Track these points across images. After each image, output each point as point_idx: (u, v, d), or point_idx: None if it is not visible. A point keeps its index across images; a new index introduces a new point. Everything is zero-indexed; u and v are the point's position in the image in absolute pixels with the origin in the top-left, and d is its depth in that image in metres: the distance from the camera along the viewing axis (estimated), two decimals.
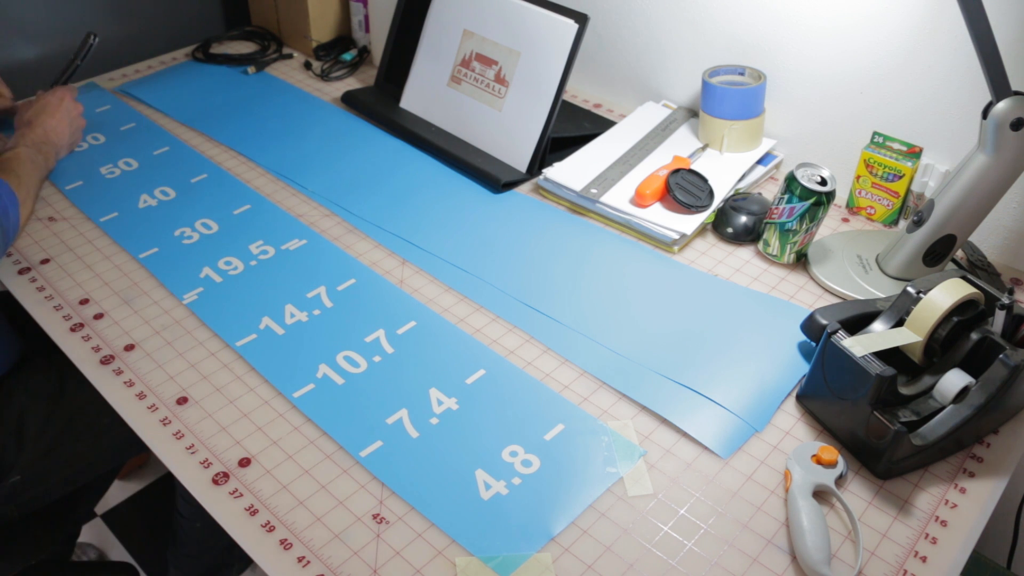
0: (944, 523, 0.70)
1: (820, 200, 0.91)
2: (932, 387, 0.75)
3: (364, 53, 1.43)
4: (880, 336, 0.76)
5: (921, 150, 1.00)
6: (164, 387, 0.81)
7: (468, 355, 0.85)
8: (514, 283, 0.94)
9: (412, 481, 0.72)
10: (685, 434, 0.77)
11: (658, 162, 1.09)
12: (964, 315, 0.75)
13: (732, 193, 1.06)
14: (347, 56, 1.41)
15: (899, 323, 0.78)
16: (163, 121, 1.25)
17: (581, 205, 1.06)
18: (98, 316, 0.89)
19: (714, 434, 0.76)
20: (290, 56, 1.45)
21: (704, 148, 1.13)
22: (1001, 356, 0.71)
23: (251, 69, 1.38)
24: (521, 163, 1.13)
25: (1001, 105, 0.80)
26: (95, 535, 1.47)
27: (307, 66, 1.41)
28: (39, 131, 1.06)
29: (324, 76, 1.37)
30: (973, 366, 0.74)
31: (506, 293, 0.93)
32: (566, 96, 1.28)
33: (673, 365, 0.83)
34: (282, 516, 0.69)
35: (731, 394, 0.80)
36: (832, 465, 0.72)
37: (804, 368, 0.83)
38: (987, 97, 0.82)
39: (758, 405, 0.79)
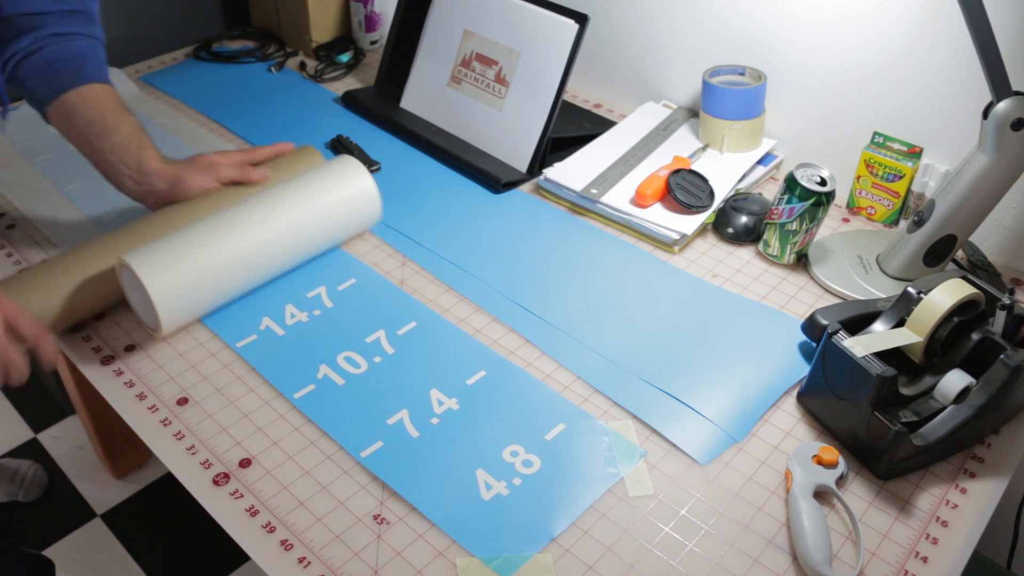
0: (945, 523, 0.70)
1: (820, 200, 0.91)
2: (933, 387, 0.75)
3: (360, 55, 1.43)
4: (881, 336, 0.76)
5: (921, 150, 1.00)
6: (164, 388, 0.81)
7: (469, 355, 0.85)
8: (512, 284, 0.94)
9: (413, 481, 0.72)
10: None
11: (658, 162, 1.09)
12: (965, 315, 0.75)
13: (732, 193, 1.06)
14: (343, 57, 1.41)
15: (900, 323, 0.78)
16: (163, 121, 1.25)
17: (581, 205, 1.06)
18: (98, 316, 0.89)
19: (697, 446, 0.76)
20: (295, 54, 1.45)
21: (704, 148, 1.13)
22: (1002, 356, 0.72)
23: (274, 68, 1.39)
24: (521, 163, 1.13)
25: (1002, 105, 0.80)
26: (95, 535, 1.47)
27: (302, 66, 1.40)
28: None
29: (318, 77, 1.37)
30: (974, 366, 0.74)
31: (504, 295, 0.93)
32: (566, 96, 1.28)
33: (662, 374, 0.83)
34: (283, 517, 0.69)
35: (714, 405, 0.79)
36: (833, 465, 0.72)
37: (790, 378, 0.82)
38: (988, 97, 0.82)
39: (740, 416, 0.78)
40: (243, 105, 1.29)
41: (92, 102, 0.89)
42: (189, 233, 0.84)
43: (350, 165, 0.95)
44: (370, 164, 1.14)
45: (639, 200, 1.02)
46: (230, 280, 0.86)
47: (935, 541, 0.68)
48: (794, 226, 0.93)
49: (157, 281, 0.80)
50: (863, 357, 0.71)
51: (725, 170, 1.08)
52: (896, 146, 1.01)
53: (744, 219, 1.01)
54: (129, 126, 0.91)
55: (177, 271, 0.81)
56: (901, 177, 1.00)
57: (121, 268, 0.83)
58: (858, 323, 0.80)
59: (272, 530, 0.68)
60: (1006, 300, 0.75)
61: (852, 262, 0.96)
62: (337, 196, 0.93)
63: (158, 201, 0.93)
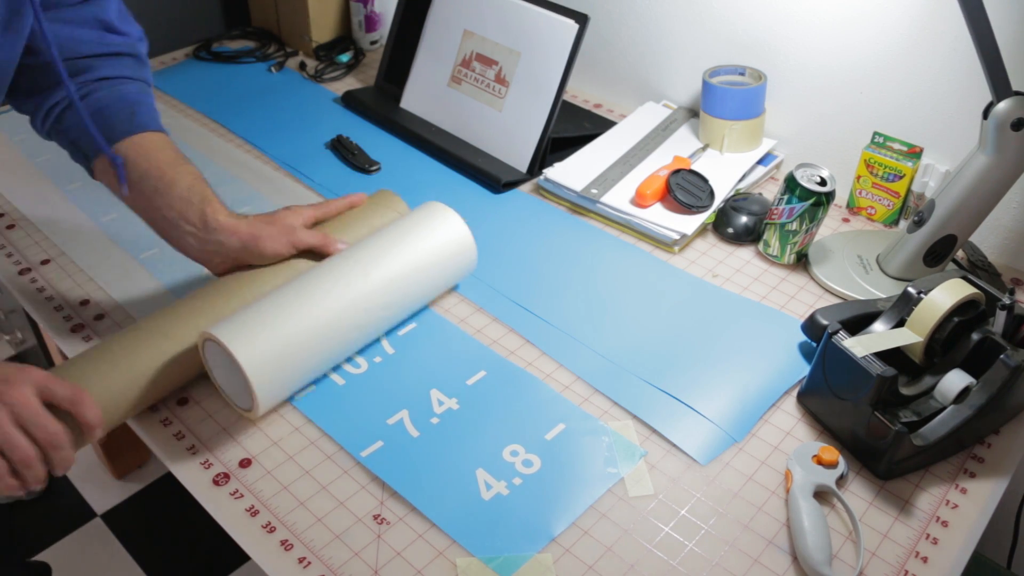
0: (945, 523, 0.70)
1: (820, 200, 0.91)
2: (933, 387, 0.75)
3: (360, 55, 1.43)
4: (881, 336, 0.76)
5: (921, 150, 1.00)
6: None
7: (469, 356, 0.85)
8: (512, 284, 0.94)
9: (413, 481, 0.72)
10: None
11: (658, 162, 1.09)
12: (965, 315, 0.75)
13: (732, 193, 1.06)
14: (343, 57, 1.41)
15: (900, 323, 0.78)
16: (163, 121, 1.25)
17: (581, 205, 1.06)
18: (99, 317, 0.89)
19: (698, 446, 0.76)
20: (295, 54, 1.45)
21: (704, 148, 1.13)
22: (1002, 356, 0.72)
23: (274, 68, 1.40)
24: (521, 163, 1.13)
25: (1002, 105, 0.80)
26: (95, 535, 1.47)
27: (302, 66, 1.40)
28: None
29: (318, 77, 1.37)
30: (974, 366, 0.74)
31: (504, 295, 0.93)
32: (566, 96, 1.28)
33: (662, 374, 0.83)
34: (283, 517, 0.69)
35: (714, 405, 0.79)
36: (833, 465, 0.72)
37: (790, 378, 0.82)
38: (988, 97, 0.82)
39: (740, 416, 0.79)
40: (243, 105, 1.30)
41: (146, 153, 0.79)
42: (283, 304, 0.75)
43: (447, 216, 0.87)
44: (370, 164, 1.14)
45: (639, 200, 1.02)
46: (327, 355, 0.78)
47: (935, 541, 0.68)
48: (794, 226, 0.93)
49: (255, 362, 0.71)
50: (863, 357, 0.71)
51: (725, 170, 1.08)
52: (896, 146, 1.01)
53: (744, 219, 1.01)
54: (190, 177, 0.79)
55: (274, 351, 0.73)
56: (901, 177, 1.00)
57: (206, 343, 0.74)
58: (858, 323, 0.80)
59: (272, 530, 0.68)
60: (1006, 300, 0.75)
61: (852, 262, 0.96)
62: (437, 255, 0.85)
63: (225, 261, 0.81)
